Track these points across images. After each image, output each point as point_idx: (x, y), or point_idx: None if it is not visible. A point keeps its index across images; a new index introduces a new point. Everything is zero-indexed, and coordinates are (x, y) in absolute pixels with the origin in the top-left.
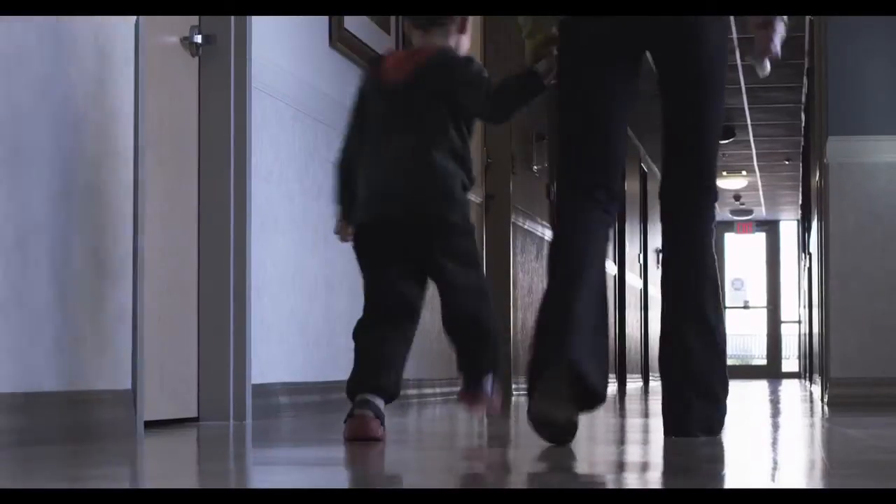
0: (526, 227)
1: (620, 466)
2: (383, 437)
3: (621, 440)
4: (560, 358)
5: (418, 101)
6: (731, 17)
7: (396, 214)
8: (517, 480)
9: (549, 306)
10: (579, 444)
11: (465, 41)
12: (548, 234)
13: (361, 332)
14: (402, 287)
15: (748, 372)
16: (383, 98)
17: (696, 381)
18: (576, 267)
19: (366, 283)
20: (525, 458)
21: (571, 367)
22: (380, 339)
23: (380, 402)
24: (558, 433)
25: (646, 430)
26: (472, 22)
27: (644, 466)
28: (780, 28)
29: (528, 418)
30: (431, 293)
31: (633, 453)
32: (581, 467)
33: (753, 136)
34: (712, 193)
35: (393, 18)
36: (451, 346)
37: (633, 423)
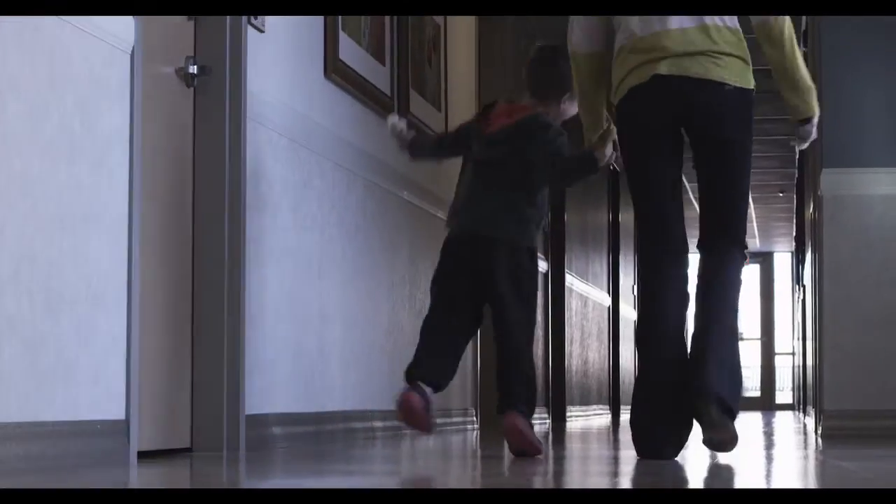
0: None
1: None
2: (429, 421)
3: (615, 472)
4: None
5: (505, 154)
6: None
7: (476, 230)
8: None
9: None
10: (572, 474)
11: (570, 109)
12: (543, 264)
13: (426, 322)
14: (462, 304)
15: (742, 404)
16: (479, 143)
17: (720, 393)
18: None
19: (434, 285)
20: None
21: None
22: (441, 329)
23: (428, 389)
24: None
25: (638, 461)
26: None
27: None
28: (815, 121)
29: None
30: None
31: (624, 483)
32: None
33: None
34: (740, 244)
35: (388, 48)
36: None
37: (627, 454)
